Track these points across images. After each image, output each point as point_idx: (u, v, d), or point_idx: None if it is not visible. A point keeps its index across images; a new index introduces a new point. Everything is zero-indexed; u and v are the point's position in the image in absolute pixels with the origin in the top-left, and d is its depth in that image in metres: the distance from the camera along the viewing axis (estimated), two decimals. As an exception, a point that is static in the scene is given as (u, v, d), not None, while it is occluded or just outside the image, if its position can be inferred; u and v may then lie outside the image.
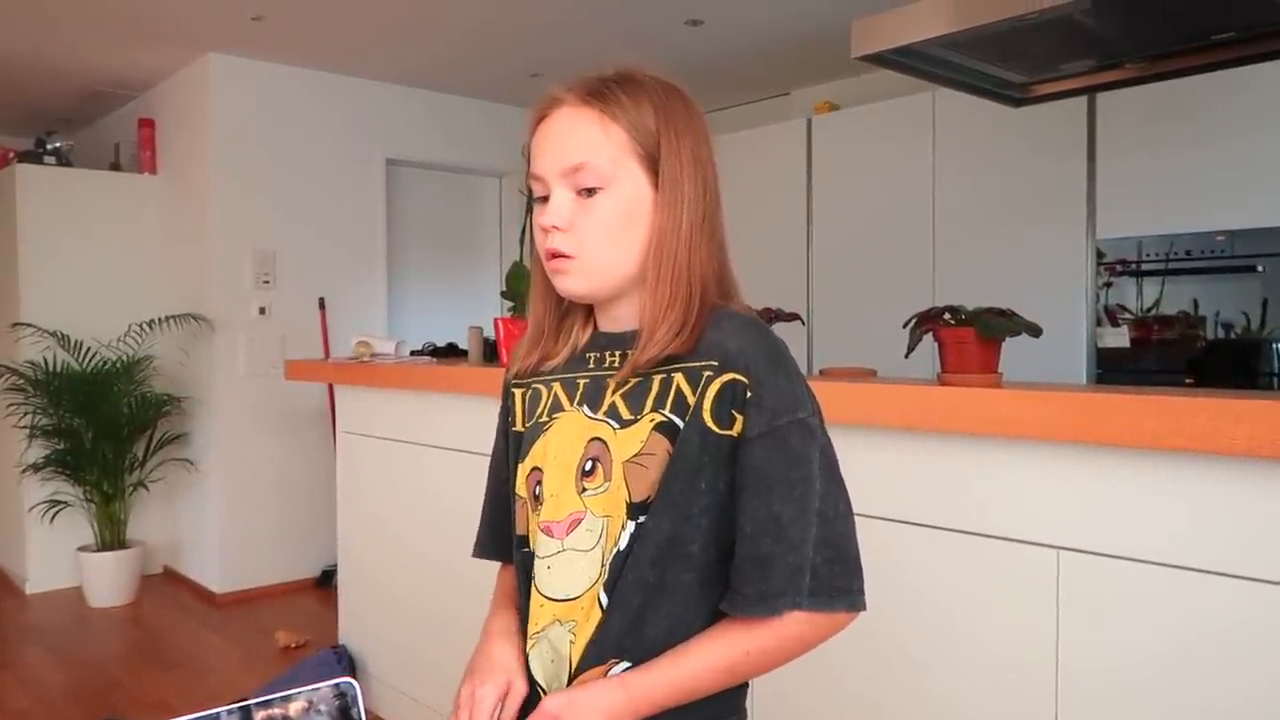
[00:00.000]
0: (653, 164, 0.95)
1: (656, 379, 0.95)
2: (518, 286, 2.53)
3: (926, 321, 1.76)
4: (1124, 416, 1.31)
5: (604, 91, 0.95)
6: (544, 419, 1.02)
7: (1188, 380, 3.31)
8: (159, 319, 4.54)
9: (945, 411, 1.52)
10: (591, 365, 1.02)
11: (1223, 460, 1.29)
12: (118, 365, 4.53)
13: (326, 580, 4.59)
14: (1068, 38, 2.13)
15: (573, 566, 0.94)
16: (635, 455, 0.92)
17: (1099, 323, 3.54)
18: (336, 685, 0.77)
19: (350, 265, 4.86)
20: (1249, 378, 3.21)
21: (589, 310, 1.05)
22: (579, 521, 0.94)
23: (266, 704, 0.73)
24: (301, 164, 4.68)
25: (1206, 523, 1.31)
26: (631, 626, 0.91)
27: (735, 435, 0.90)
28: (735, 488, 0.90)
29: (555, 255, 0.95)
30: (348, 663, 3.15)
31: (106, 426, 4.44)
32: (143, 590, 4.62)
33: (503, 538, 1.10)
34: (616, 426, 0.95)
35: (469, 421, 2.65)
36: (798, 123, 4.38)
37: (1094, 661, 1.43)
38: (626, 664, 0.91)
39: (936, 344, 1.74)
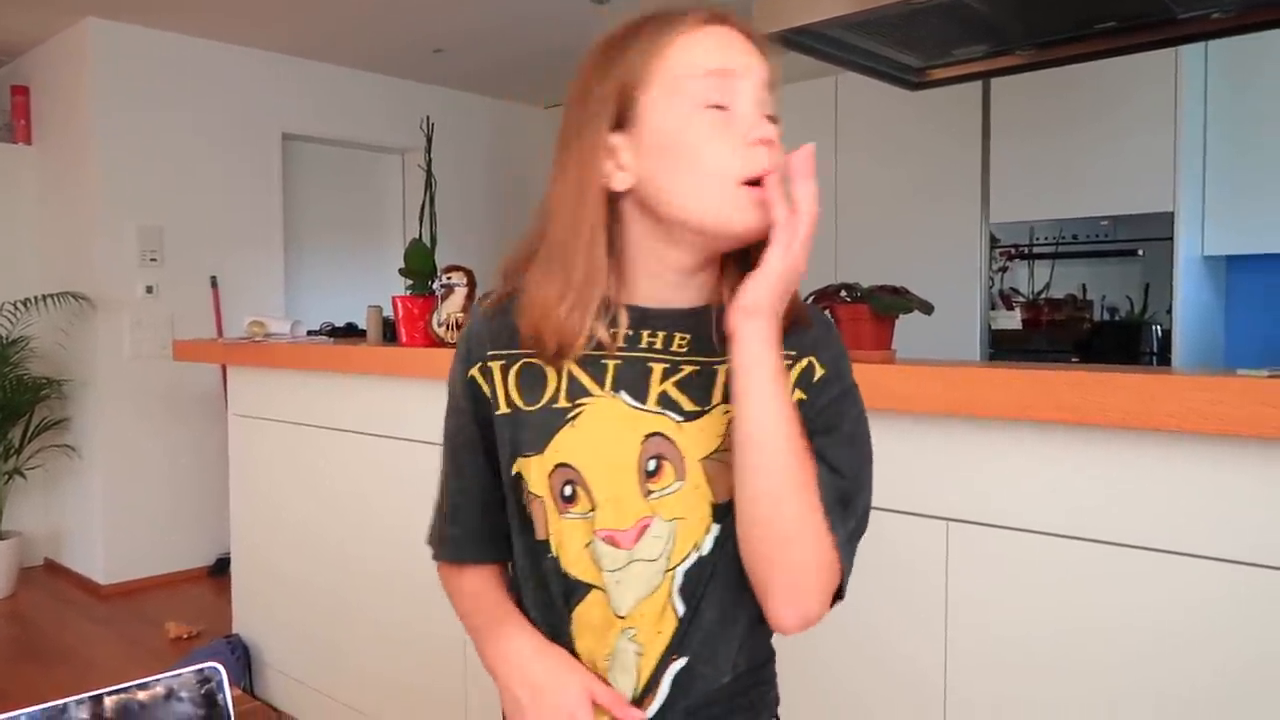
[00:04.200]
0: None
1: (720, 369, 0.84)
2: (416, 264, 2.47)
3: (823, 299, 1.78)
4: (1008, 391, 1.35)
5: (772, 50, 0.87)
6: (564, 405, 0.86)
7: (1074, 360, 3.45)
8: (35, 298, 4.28)
9: (840, 387, 1.54)
10: (623, 344, 0.86)
11: (1101, 431, 1.33)
12: (-10, 347, 4.28)
13: (220, 569, 4.44)
14: (961, 22, 2.18)
15: (640, 578, 0.85)
16: (716, 451, 0.83)
17: (993, 306, 3.66)
18: (200, 670, 0.72)
19: (245, 243, 4.67)
20: (1130, 358, 3.36)
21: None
22: (646, 528, 0.84)
23: (121, 691, 0.68)
24: (191, 136, 4.47)
25: (1086, 492, 1.36)
26: (694, 623, 0.86)
27: (809, 404, 0.85)
28: (819, 435, 0.84)
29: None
30: (242, 652, 3.05)
31: (-22, 412, 4.19)
32: (21, 583, 4.38)
33: (494, 537, 0.93)
34: (680, 419, 0.84)
35: (367, 403, 2.58)
36: (704, 104, 4.39)
37: (981, 630, 1.47)
38: (685, 659, 0.86)
39: (833, 320, 1.76)
